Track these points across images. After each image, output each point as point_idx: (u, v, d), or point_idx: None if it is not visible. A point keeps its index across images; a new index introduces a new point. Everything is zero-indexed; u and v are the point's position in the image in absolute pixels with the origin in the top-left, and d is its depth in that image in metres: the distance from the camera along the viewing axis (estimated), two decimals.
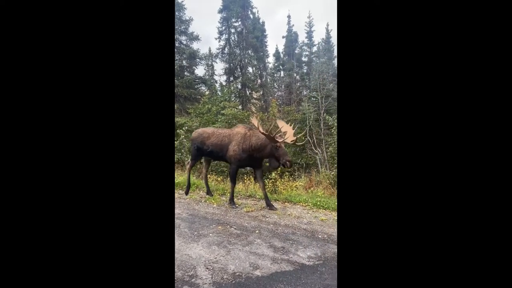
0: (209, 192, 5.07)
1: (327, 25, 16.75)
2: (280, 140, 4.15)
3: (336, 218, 4.00)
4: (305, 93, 17.13)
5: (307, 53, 19.74)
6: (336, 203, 4.59)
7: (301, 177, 6.62)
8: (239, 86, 16.67)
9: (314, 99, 8.99)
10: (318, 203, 4.72)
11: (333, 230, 3.43)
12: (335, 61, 15.02)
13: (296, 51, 19.95)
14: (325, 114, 8.06)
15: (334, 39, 15.47)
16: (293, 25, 19.97)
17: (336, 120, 6.90)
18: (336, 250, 2.75)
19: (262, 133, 4.08)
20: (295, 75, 19.11)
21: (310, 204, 4.62)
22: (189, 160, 5.29)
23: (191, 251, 2.60)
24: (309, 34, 19.21)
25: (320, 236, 3.19)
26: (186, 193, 4.97)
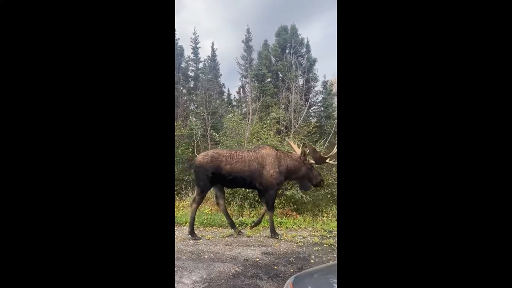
0: (233, 226, 4.17)
1: (212, 43, 17.55)
2: (330, 162, 4.11)
3: (222, 234, 4.11)
4: (192, 107, 17.06)
5: (193, 68, 19.87)
6: (222, 219, 4.73)
7: (188, 196, 6.46)
8: None
9: (201, 114, 9.11)
10: (205, 221, 4.73)
11: (219, 248, 3.50)
12: (221, 79, 15.84)
13: (183, 65, 19.72)
14: (211, 130, 8.27)
15: (219, 58, 16.33)
16: (178, 38, 19.72)
17: (222, 137, 7.20)
18: (221, 269, 2.82)
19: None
20: (181, 88, 18.76)
21: (196, 223, 4.55)
22: (195, 193, 4.10)
23: None
24: (195, 50, 19.46)
25: (206, 256, 3.18)
26: (192, 234, 3.92)
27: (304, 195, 5.49)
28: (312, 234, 4.21)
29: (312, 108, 11.78)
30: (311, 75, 12.28)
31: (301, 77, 11.19)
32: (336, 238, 4.00)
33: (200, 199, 4.01)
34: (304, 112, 8.99)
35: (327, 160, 4.18)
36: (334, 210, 5.54)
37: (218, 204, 4.22)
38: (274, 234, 4.02)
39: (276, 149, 4.20)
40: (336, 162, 4.34)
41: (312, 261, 3.14)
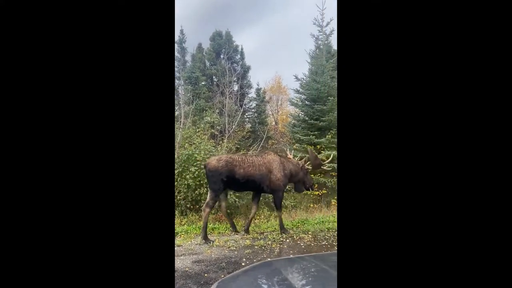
0: (234, 227, 4.54)
1: None
2: (324, 168, 4.71)
3: None
4: None
5: None
6: None
7: None
8: None
9: None
10: None
11: None
12: None
13: None
14: None
15: None
16: None
17: None
18: None
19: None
20: None
21: None
22: (208, 197, 4.19)
23: None
24: None
25: None
26: (205, 239, 4.01)
27: (236, 199, 5.56)
28: (244, 237, 4.29)
29: (246, 114, 12.10)
30: (245, 81, 12.63)
31: (235, 83, 11.39)
32: (266, 239, 4.17)
33: (213, 203, 4.14)
34: (239, 117, 9.15)
35: (322, 166, 4.75)
36: (265, 212, 5.76)
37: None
38: (283, 230, 4.41)
39: (279, 155, 4.57)
40: (329, 168, 4.88)
41: (243, 264, 3.18)
